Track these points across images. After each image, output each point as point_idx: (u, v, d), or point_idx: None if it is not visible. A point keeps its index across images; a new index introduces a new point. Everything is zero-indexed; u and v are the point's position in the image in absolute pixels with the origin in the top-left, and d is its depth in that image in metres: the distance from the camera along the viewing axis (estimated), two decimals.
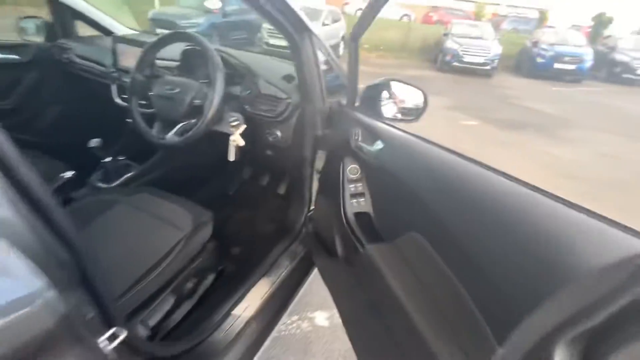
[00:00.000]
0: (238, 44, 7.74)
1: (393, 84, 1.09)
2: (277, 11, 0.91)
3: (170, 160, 1.40)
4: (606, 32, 12.02)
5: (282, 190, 1.68)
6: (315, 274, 1.38)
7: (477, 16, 13.45)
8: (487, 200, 0.58)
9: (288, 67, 1.27)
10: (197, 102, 1.01)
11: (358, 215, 0.88)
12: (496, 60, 8.36)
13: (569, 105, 6.69)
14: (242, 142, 1.07)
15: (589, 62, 8.77)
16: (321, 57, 1.15)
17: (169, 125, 1.05)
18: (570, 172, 3.65)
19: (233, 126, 1.07)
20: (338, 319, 1.56)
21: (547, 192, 0.54)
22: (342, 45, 8.88)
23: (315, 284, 1.46)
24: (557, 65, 8.75)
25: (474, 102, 6.26)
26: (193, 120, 1.03)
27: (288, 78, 1.21)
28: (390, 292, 0.70)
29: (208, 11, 7.48)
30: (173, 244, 0.96)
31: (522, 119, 5.39)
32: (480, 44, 8.41)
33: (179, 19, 7.21)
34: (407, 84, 1.09)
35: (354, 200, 0.88)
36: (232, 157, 1.10)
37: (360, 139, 0.91)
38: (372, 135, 0.88)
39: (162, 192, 1.14)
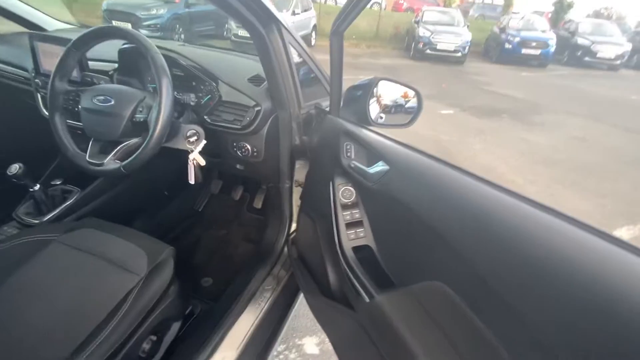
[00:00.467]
0: (204, 37, 7.29)
1: (382, 83, 0.93)
2: None
3: (120, 180, 1.18)
4: (567, 17, 12.45)
5: (258, 204, 1.49)
6: (302, 298, 1.23)
7: (446, 3, 13.51)
8: (537, 247, 0.44)
9: (256, 67, 1.08)
10: (139, 116, 0.80)
11: (357, 249, 0.72)
12: (467, 47, 8.43)
13: (537, 90, 6.86)
14: (203, 162, 0.88)
15: (552, 46, 9.04)
16: (293, 52, 0.97)
17: (105, 146, 0.83)
18: (547, 157, 3.70)
19: (191, 142, 0.87)
20: (330, 345, 1.42)
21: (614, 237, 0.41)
22: (314, 36, 8.61)
23: (301, 307, 1.30)
24: (524, 51, 8.96)
25: (448, 90, 6.26)
26: (136, 140, 0.82)
27: (256, 80, 1.02)
28: (407, 349, 0.56)
29: (168, 1, 6.95)
30: (124, 293, 0.76)
31: (496, 106, 5.44)
32: (451, 30, 8.43)
33: (137, 10, 6.63)
34: (398, 82, 0.93)
35: (351, 232, 0.72)
36: (192, 179, 0.90)
37: (353, 155, 0.75)
38: (370, 152, 0.72)
39: (109, 224, 0.93)
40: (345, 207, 0.75)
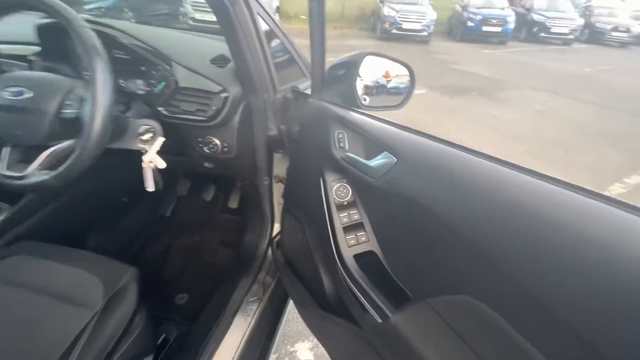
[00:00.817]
0: (157, 22, 6.70)
1: (368, 59, 0.81)
2: None
3: (62, 190, 0.98)
4: None
5: (234, 204, 1.34)
6: (292, 303, 1.12)
7: None
8: (598, 247, 0.35)
9: (218, 47, 0.91)
10: (69, 112, 0.62)
11: (359, 257, 0.61)
12: (432, 26, 8.45)
13: (500, 67, 7.04)
14: (162, 164, 0.72)
15: (511, 23, 9.28)
16: (263, 26, 0.82)
17: (28, 153, 0.65)
18: (515, 132, 3.79)
19: (145, 141, 0.71)
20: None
21: None
22: (277, 18, 8.20)
23: (290, 311, 1.20)
24: (485, 28, 9.14)
25: (417, 69, 6.23)
26: (69, 143, 0.64)
27: (220, 61, 0.85)
28: None
29: None
30: (74, 335, 0.62)
31: (463, 84, 5.52)
32: (416, 9, 8.40)
33: None
34: (387, 57, 0.81)
35: (351, 236, 0.61)
36: (150, 186, 0.74)
37: (347, 146, 0.62)
38: (369, 141, 0.60)
39: (50, 248, 0.76)
40: (340, 207, 0.63)
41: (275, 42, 0.99)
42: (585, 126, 4.14)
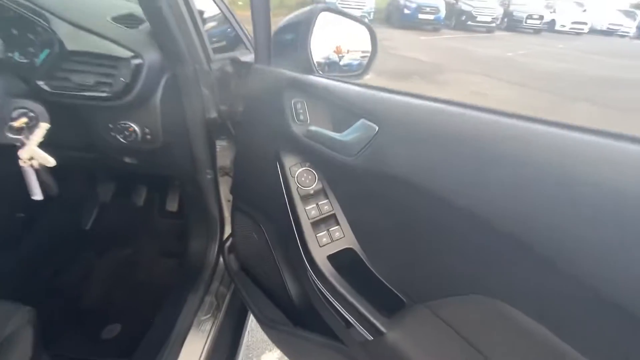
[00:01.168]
0: None
1: (323, 15, 0.67)
2: None
3: None
4: None
5: (173, 206, 1.13)
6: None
7: None
8: None
9: (127, 5, 0.71)
10: None
11: (334, 257, 0.48)
12: (372, 13, 8.58)
13: (436, 52, 7.42)
14: (49, 161, 0.51)
15: (443, 12, 9.83)
16: None
17: None
18: None
19: (18, 129, 0.50)
20: None
21: None
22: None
23: (253, 319, 1.05)
24: (420, 16, 9.56)
25: None
26: None
27: (128, 20, 0.65)
28: None
29: None
30: None
31: (406, 68, 5.69)
32: None
33: None
34: (346, 15, 0.68)
35: (322, 233, 0.48)
36: (37, 192, 0.53)
37: (309, 118, 0.49)
38: (339, 108, 0.47)
39: None
40: (306, 198, 0.50)
41: (208, 7, 0.80)
42: (514, 103, 4.52)
